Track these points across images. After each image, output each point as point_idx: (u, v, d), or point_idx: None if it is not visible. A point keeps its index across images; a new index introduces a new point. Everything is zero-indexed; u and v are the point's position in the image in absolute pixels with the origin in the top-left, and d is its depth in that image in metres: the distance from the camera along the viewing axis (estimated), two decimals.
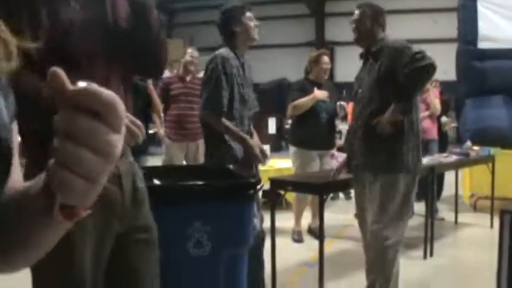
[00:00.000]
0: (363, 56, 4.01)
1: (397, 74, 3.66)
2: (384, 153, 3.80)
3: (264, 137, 17.68)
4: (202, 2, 19.20)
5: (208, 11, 15.54)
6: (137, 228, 2.09)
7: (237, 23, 3.87)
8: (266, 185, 4.18)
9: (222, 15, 3.94)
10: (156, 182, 3.12)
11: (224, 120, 3.74)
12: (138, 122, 1.91)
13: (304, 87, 6.13)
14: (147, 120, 6.28)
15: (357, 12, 3.94)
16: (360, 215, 4.16)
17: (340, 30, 22.32)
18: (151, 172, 3.13)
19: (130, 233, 2.06)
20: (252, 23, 3.89)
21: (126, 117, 1.55)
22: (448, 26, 13.75)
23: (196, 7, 20.88)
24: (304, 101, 5.94)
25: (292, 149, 6.23)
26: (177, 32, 21.50)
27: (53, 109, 0.68)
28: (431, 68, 3.62)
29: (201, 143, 5.60)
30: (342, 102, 6.28)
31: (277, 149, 15.70)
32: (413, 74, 3.60)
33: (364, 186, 3.97)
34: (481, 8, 7.95)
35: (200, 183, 3.06)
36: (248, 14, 3.91)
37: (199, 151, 6.16)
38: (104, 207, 1.84)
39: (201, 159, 5.42)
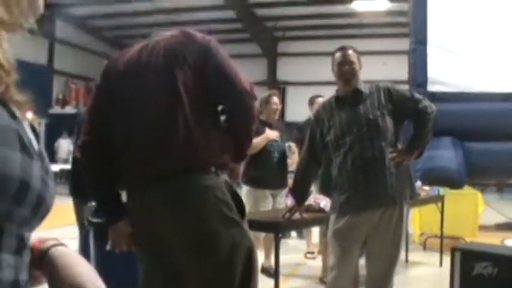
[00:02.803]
0: (344, 98, 3.81)
1: (402, 114, 3.76)
2: (407, 181, 3.86)
3: None
4: None
5: None
6: None
7: None
8: None
9: None
10: None
11: None
12: None
13: (256, 127, 6.12)
14: None
15: (350, 52, 3.78)
16: (350, 260, 3.89)
17: (292, 70, 22.72)
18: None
19: None
20: None
21: None
22: (398, 68, 14.11)
23: None
24: (257, 141, 5.92)
25: (245, 188, 6.18)
26: None
27: None
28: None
29: None
30: (291, 143, 6.28)
31: None
32: (428, 124, 3.73)
33: (375, 225, 3.77)
34: (431, 52, 8.18)
35: None
36: None
37: None
38: None
39: None
